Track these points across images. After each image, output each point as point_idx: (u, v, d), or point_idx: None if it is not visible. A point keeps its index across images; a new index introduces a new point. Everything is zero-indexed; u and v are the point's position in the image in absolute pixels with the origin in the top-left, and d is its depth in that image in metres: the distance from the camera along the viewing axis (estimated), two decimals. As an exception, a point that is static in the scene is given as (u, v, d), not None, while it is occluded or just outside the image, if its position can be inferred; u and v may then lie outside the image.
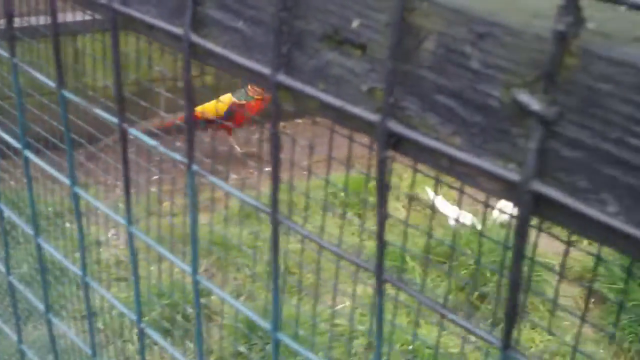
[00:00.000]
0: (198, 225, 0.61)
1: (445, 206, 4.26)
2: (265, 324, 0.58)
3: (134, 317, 0.74)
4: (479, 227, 3.54)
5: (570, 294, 3.67)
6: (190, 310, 3.14)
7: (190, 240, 0.63)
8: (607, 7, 0.39)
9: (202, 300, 3.61)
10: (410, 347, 3.21)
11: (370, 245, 3.74)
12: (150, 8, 0.60)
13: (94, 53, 2.86)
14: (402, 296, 3.06)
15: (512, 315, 0.41)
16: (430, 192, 4.38)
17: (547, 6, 0.39)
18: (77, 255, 3.18)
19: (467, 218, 3.85)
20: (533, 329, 3.35)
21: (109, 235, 3.99)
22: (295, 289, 3.62)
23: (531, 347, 3.32)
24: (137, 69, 2.64)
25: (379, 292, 0.49)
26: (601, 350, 3.38)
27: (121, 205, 3.33)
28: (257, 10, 0.52)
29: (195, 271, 0.64)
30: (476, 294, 3.38)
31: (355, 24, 0.46)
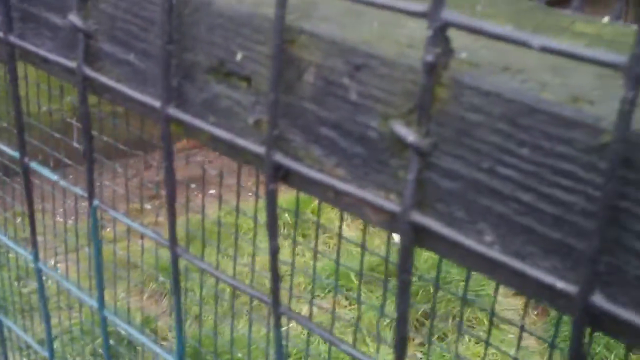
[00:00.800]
0: (102, 262, 0.60)
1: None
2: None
3: (45, 353, 0.72)
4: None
5: (515, 307, 3.69)
6: (135, 337, 3.09)
7: (95, 274, 0.62)
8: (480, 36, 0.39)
9: (150, 327, 3.56)
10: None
11: (320, 265, 3.73)
12: (46, 41, 0.59)
13: (38, 79, 2.81)
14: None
15: (402, 346, 0.41)
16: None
17: (422, 36, 0.39)
18: (20, 284, 3.12)
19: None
20: (478, 343, 3.36)
21: (52, 262, 3.93)
22: (244, 312, 3.60)
23: (477, 361, 3.33)
24: (49, 100, 2.62)
25: (276, 325, 0.48)
26: (546, 362, 3.40)
27: (67, 232, 3.27)
28: (147, 43, 0.51)
29: (102, 307, 0.63)
30: (421, 310, 3.39)
31: (239, 56, 0.45)
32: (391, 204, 0.39)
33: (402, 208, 0.38)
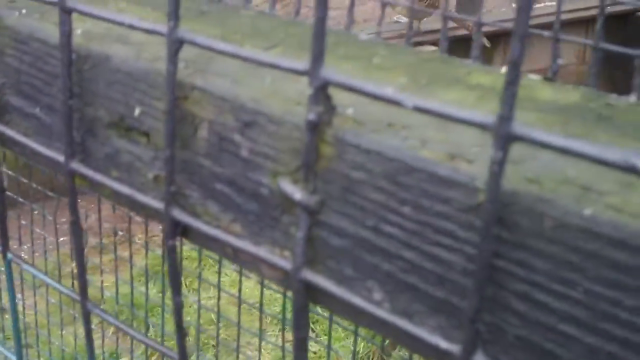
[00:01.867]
0: (18, 316, 0.59)
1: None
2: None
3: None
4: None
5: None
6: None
7: (13, 332, 0.61)
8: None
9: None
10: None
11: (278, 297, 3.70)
12: (-44, 94, 0.58)
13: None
14: None
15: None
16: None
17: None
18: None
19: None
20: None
21: (16, 300, 3.87)
22: (212, 343, 3.56)
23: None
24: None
25: (183, 382, 0.47)
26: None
27: (30, 270, 3.23)
28: (51, 97, 0.50)
29: (21, 362, 0.61)
30: (387, 341, 3.37)
31: (137, 111, 0.45)
32: (284, 262, 0.39)
33: (293, 266, 0.38)
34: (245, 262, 0.42)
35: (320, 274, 0.38)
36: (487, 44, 3.55)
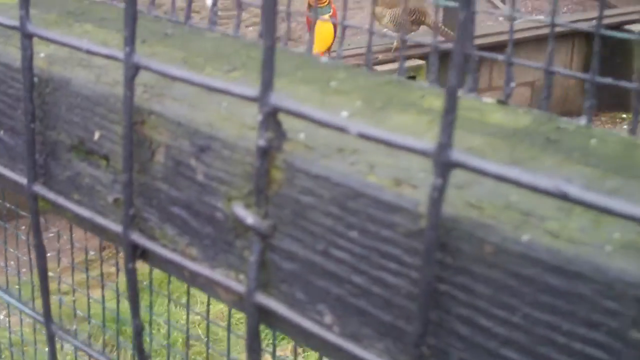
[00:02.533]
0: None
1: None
2: None
3: None
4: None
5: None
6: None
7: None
8: (321, 116, 0.39)
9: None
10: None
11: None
12: None
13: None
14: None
15: None
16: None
17: (266, 116, 0.39)
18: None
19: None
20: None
21: (1, 317, 3.86)
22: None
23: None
24: None
25: (145, 404, 0.47)
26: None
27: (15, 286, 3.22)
28: (15, 120, 0.51)
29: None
30: None
31: (96, 135, 0.45)
32: (239, 285, 0.39)
33: (247, 290, 0.38)
34: (202, 285, 0.42)
35: (273, 298, 0.38)
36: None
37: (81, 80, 0.45)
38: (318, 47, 3.98)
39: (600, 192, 0.26)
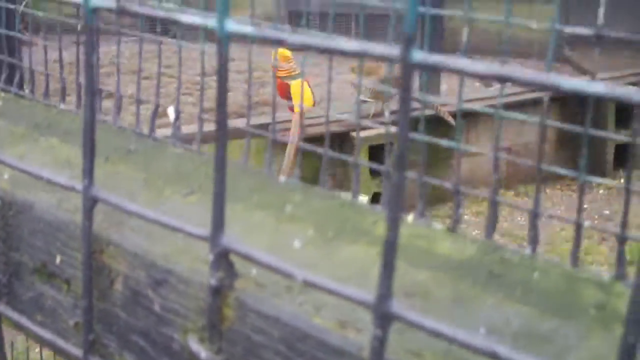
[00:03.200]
0: None
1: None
2: None
3: None
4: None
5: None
6: None
7: None
8: (274, 250, 0.40)
9: None
10: None
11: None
12: None
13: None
14: None
15: None
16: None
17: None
18: None
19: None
20: None
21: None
22: None
23: None
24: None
25: None
26: None
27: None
28: (-21, 239, 0.52)
29: None
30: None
31: (58, 259, 0.46)
32: (194, 416, 0.40)
33: (201, 421, 0.39)
34: (160, 411, 0.43)
35: None
36: (451, 122, 3.59)
37: (43, 205, 0.47)
38: (306, 102, 3.84)
39: (527, 355, 0.28)
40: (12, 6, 0.82)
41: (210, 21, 0.35)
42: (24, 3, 0.84)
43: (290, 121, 3.57)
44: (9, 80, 0.79)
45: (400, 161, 0.31)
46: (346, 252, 0.41)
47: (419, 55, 0.30)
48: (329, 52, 0.33)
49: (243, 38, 0.34)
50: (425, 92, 0.62)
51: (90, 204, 0.41)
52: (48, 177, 0.44)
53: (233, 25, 0.34)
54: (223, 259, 0.37)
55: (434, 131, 0.53)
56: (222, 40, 0.33)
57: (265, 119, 3.23)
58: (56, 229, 0.46)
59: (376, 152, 3.71)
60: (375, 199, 3.29)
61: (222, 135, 0.34)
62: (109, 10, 0.39)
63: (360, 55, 0.32)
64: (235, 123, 0.76)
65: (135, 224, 0.44)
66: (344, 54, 0.32)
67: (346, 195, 0.49)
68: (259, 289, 0.38)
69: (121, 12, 0.39)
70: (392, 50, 0.30)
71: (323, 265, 0.40)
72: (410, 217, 0.46)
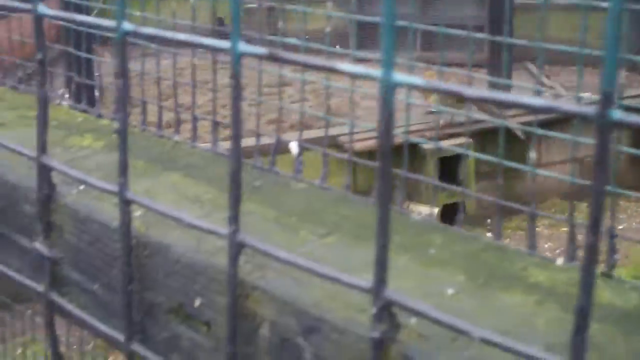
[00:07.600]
0: None
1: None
2: None
3: None
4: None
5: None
6: None
7: None
8: (427, 298, 0.39)
9: None
10: None
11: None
12: (14, 261, 0.60)
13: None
14: None
15: None
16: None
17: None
18: None
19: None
20: None
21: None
22: None
23: None
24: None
25: None
26: None
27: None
28: (110, 277, 0.51)
29: None
30: None
31: (197, 302, 0.46)
32: None
33: None
34: None
35: None
36: (521, 136, 3.50)
37: (180, 248, 0.46)
38: None
39: None
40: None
41: (374, 72, 0.34)
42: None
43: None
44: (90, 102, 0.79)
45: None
46: (503, 301, 0.40)
47: (618, 115, 0.28)
48: (484, 101, 0.31)
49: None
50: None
51: (237, 250, 0.41)
52: (189, 222, 0.43)
53: (244, 46, 0.33)
54: (386, 311, 0.36)
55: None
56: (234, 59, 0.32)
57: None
58: (195, 272, 0.45)
59: (447, 163, 3.69)
60: (445, 210, 3.26)
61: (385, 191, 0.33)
62: (257, 56, 0.39)
63: (545, 112, 0.30)
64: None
65: (278, 266, 0.43)
66: (526, 108, 0.31)
67: (486, 237, 0.48)
68: (422, 341, 0.37)
69: (272, 59, 0.38)
70: (587, 109, 0.29)
71: (481, 315, 0.39)
72: (559, 261, 0.45)
